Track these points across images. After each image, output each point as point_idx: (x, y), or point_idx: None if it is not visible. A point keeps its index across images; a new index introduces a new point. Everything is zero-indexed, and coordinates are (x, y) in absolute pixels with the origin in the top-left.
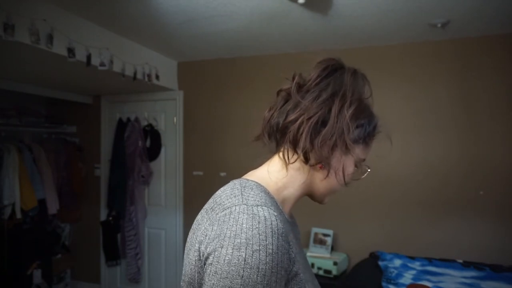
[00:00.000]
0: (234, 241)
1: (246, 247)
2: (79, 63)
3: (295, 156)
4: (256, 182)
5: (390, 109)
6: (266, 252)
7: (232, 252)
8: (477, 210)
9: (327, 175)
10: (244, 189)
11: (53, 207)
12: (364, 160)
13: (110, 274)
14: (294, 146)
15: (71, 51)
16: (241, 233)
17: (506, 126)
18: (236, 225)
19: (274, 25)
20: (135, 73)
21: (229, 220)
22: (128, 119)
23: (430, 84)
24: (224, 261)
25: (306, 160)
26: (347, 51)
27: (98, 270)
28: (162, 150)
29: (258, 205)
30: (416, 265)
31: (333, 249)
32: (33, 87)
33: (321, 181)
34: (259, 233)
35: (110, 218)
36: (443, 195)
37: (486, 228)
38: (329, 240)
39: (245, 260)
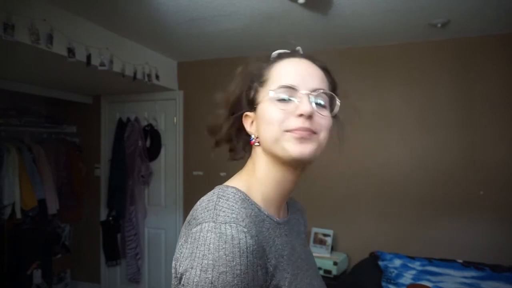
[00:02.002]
0: (202, 262)
1: (212, 269)
2: (79, 63)
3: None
4: (236, 189)
5: (390, 109)
6: (233, 274)
7: (200, 274)
8: (477, 210)
9: (259, 143)
10: (219, 201)
11: (53, 207)
12: (280, 85)
13: (110, 274)
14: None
15: (71, 51)
16: (209, 254)
17: (506, 126)
18: (204, 245)
19: (274, 25)
20: (135, 73)
21: (199, 239)
22: (128, 119)
23: (430, 84)
24: (193, 283)
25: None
26: (347, 51)
27: (98, 270)
28: (162, 150)
29: (226, 222)
30: (416, 265)
31: (333, 249)
32: (33, 87)
33: (264, 156)
34: (225, 254)
35: (110, 218)
36: (443, 195)
37: (486, 228)
38: (329, 240)
39: (212, 283)
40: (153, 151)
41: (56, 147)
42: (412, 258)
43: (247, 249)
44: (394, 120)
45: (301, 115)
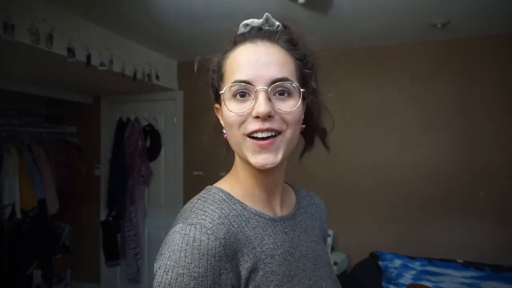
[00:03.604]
0: (166, 263)
1: (172, 271)
2: (79, 63)
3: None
4: (218, 189)
5: (390, 109)
6: (190, 276)
7: (163, 275)
8: (477, 210)
9: (226, 139)
10: (197, 202)
11: (53, 207)
12: (233, 82)
13: (110, 274)
14: None
15: (71, 51)
16: (173, 255)
17: (506, 126)
18: (172, 246)
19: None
20: (135, 73)
21: (170, 240)
22: (128, 119)
23: (430, 84)
24: (157, 283)
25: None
26: (347, 51)
27: (98, 270)
28: (162, 150)
29: (192, 224)
30: (416, 265)
31: (333, 249)
32: (33, 87)
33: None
34: (185, 256)
35: (110, 218)
36: (443, 195)
37: (486, 228)
38: (329, 240)
39: (169, 284)
40: (153, 151)
41: (56, 147)
42: (412, 258)
43: (208, 251)
44: (394, 120)
45: (257, 117)
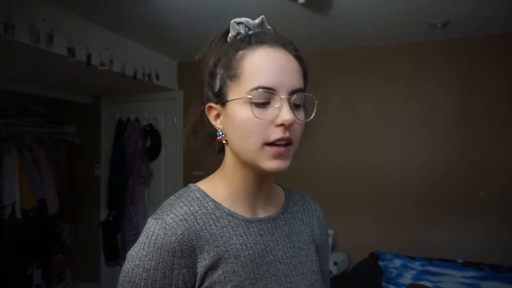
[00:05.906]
0: (130, 253)
1: (131, 261)
2: (79, 63)
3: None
4: (196, 187)
5: (390, 109)
6: (144, 267)
7: (126, 264)
8: (477, 210)
9: (227, 143)
10: (172, 199)
11: (53, 207)
12: (258, 88)
13: (110, 274)
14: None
15: (71, 51)
16: (136, 246)
17: (506, 125)
18: (139, 238)
19: (274, 25)
20: (135, 73)
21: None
22: (128, 119)
23: (430, 84)
24: (121, 270)
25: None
26: (347, 51)
27: (98, 270)
28: (162, 150)
29: (156, 219)
30: (416, 265)
31: (333, 249)
32: (33, 87)
33: (232, 154)
34: (143, 248)
35: (110, 218)
36: (443, 195)
37: (486, 228)
38: (329, 240)
39: (128, 273)
40: (153, 151)
41: (56, 147)
42: (412, 258)
43: (162, 246)
44: (394, 120)
45: (281, 124)
